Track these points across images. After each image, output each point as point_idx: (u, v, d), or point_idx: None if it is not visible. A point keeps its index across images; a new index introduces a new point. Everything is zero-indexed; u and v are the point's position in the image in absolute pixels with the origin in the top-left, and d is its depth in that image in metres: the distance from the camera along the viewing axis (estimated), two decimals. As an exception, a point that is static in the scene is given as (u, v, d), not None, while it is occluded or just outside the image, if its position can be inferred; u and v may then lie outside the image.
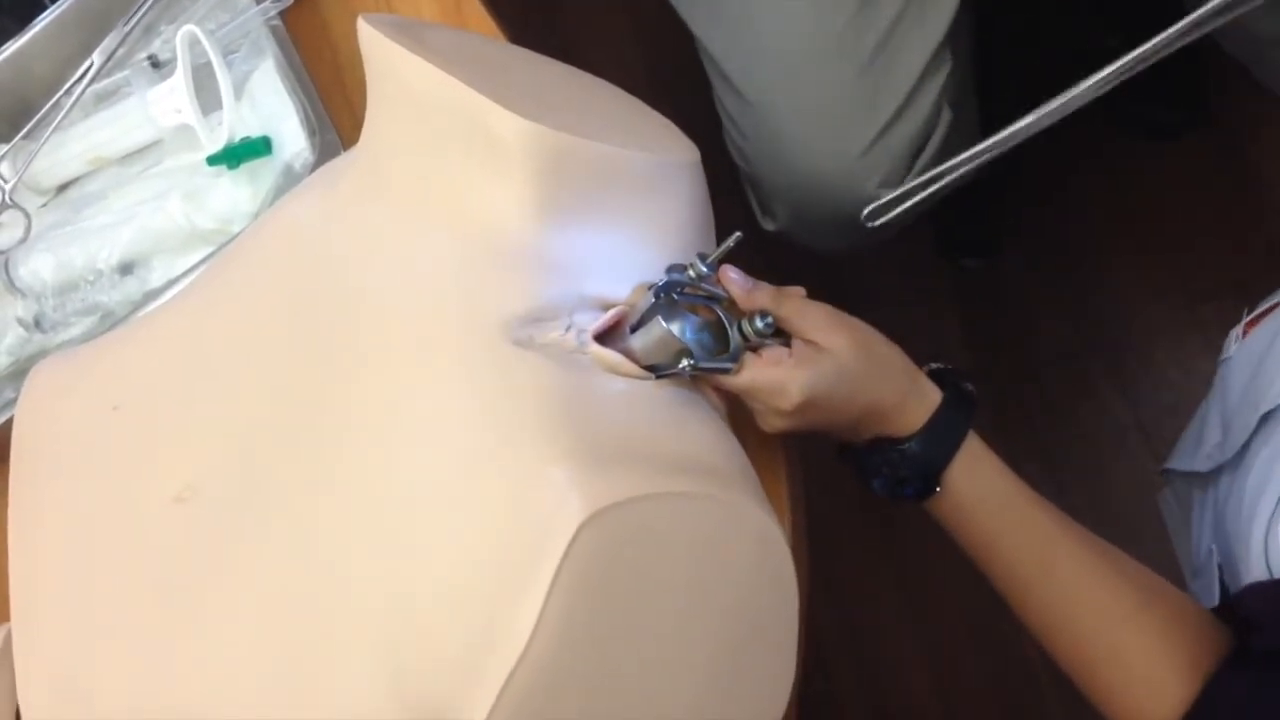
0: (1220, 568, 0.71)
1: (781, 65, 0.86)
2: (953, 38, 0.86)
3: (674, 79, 1.07)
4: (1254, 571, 0.63)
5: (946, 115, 0.85)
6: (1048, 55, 1.40)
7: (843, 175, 0.82)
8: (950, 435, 0.59)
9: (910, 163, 0.83)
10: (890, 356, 0.59)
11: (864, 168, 0.81)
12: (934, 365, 0.62)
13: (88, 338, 0.73)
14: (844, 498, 1.29)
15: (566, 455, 0.47)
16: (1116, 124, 1.39)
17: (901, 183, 0.86)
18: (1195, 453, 0.77)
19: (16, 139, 0.77)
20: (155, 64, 0.79)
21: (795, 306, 0.58)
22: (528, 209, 0.53)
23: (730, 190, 0.77)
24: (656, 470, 0.48)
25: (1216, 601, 0.69)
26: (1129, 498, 1.29)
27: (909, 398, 0.59)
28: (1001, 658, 1.26)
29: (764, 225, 0.95)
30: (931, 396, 0.59)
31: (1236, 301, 1.32)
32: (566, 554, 0.43)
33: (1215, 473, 0.74)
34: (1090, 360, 1.35)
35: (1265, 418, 0.67)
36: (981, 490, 0.59)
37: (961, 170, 0.62)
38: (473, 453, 0.48)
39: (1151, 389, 1.33)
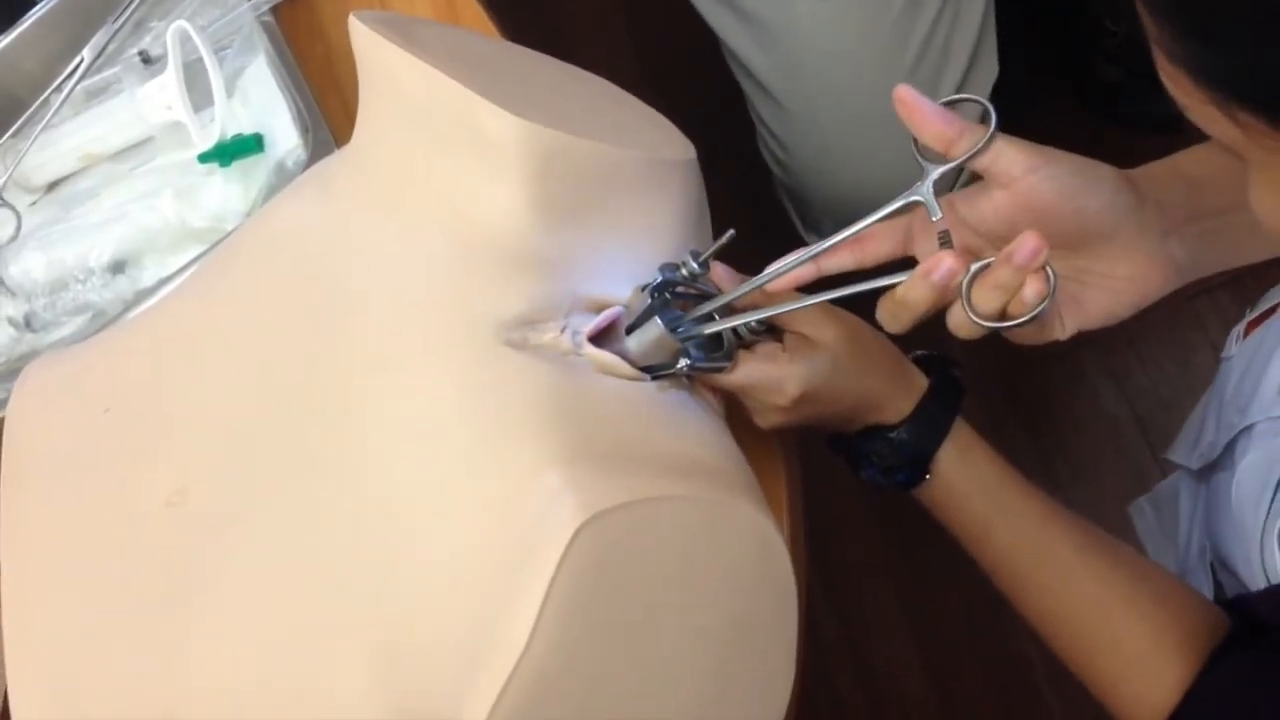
0: (1213, 566, 0.71)
1: (825, 73, 0.82)
2: (984, 34, 0.83)
3: (671, 74, 1.07)
4: (1255, 580, 0.63)
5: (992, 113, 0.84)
6: (1052, 44, 1.40)
7: (897, 187, 0.78)
8: (939, 421, 0.59)
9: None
10: (879, 347, 0.59)
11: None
12: (920, 352, 0.62)
13: (79, 337, 0.72)
14: (843, 496, 1.29)
15: (562, 458, 0.46)
16: (1116, 116, 1.38)
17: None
18: (1192, 450, 0.78)
19: (6, 136, 0.76)
20: (146, 60, 0.78)
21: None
22: (521, 208, 0.53)
23: (727, 186, 0.76)
24: (653, 473, 0.47)
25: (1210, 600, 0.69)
26: (1125, 490, 1.28)
27: (898, 386, 0.59)
28: (999, 655, 1.27)
29: (807, 240, 0.91)
30: (919, 383, 0.60)
31: (1231, 294, 1.32)
32: (563, 558, 0.43)
33: (1207, 470, 0.75)
34: (1085, 352, 1.35)
35: (1245, 430, 0.68)
36: (972, 476, 0.59)
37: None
38: (467, 456, 0.48)
39: (1147, 381, 1.33)
